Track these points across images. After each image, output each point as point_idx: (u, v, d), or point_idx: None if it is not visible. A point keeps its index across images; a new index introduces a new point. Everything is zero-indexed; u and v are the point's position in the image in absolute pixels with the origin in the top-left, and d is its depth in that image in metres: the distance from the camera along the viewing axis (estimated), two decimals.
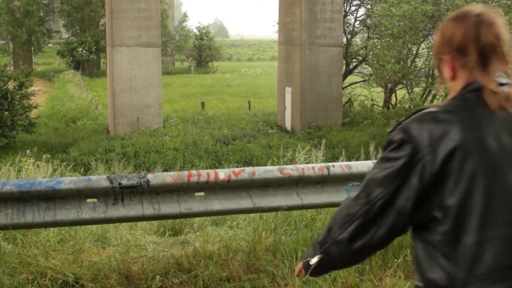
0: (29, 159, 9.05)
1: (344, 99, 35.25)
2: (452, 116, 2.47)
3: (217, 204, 6.13)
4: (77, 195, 5.77)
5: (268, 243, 6.47)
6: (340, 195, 6.43)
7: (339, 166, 6.39)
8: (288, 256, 6.18)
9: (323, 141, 15.14)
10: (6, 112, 27.53)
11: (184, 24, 75.87)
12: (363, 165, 6.48)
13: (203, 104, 38.78)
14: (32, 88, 31.08)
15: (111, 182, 5.76)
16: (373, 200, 2.53)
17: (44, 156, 10.68)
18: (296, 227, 7.36)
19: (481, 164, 2.39)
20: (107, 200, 5.86)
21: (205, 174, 6.03)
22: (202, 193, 6.17)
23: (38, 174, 8.76)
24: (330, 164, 6.38)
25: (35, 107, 30.47)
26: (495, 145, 2.42)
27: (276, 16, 36.37)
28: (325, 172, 6.30)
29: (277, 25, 36.29)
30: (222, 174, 6.03)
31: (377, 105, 34.44)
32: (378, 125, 31.75)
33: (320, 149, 10.41)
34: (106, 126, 31.86)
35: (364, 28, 37.78)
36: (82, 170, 17.79)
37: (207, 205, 6.11)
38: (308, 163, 9.90)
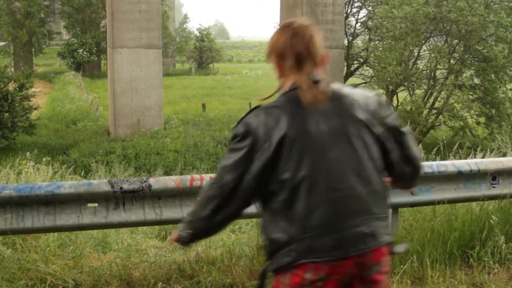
0: (29, 162, 8.92)
1: None
2: (280, 110, 3.13)
3: None
4: (77, 200, 5.67)
5: None
6: None
7: None
8: None
9: None
10: (6, 114, 27.41)
11: (185, 26, 75.70)
12: None
13: (204, 105, 38.65)
14: (33, 89, 30.96)
15: (112, 187, 5.66)
16: (225, 184, 3.17)
17: (44, 159, 10.52)
18: None
19: (305, 146, 3.07)
20: (108, 205, 5.76)
21: (208, 178, 5.90)
22: None
23: (38, 177, 8.65)
24: None
25: (35, 109, 30.37)
26: (315, 131, 3.08)
27: (277, 17, 36.27)
28: None
29: (278, 26, 36.12)
30: None
31: None
32: None
33: None
34: (107, 128, 31.75)
35: (365, 30, 37.72)
36: (82, 172, 17.68)
37: None
38: None
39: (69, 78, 51.25)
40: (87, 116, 35.19)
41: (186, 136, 28.62)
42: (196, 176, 5.93)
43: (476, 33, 26.72)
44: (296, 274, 3.10)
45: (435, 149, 10.65)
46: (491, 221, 6.55)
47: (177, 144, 26.79)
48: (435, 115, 28.31)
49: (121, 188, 5.67)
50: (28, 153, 10.54)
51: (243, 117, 3.21)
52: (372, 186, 3.14)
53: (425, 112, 27.83)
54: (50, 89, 48.70)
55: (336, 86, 3.25)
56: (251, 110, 3.21)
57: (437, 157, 10.93)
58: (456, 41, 28.48)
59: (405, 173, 3.41)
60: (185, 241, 3.49)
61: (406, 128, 3.37)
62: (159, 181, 5.81)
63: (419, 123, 26.80)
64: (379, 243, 3.16)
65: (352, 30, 37.98)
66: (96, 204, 5.75)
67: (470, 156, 10.19)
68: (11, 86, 28.47)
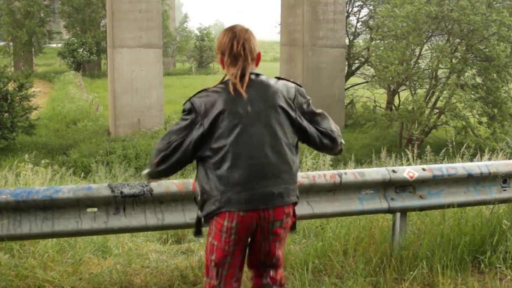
0: (27, 164, 8.74)
1: (346, 101, 34.99)
2: (218, 94, 4.10)
3: None
4: (76, 205, 5.46)
5: None
6: (353, 204, 6.14)
7: (352, 174, 6.09)
8: (299, 268, 5.90)
9: None
10: (6, 114, 27.28)
11: (185, 25, 75.58)
12: (377, 173, 6.18)
13: None
14: (33, 89, 30.81)
15: (112, 191, 5.46)
16: (171, 142, 4.14)
17: (43, 161, 10.34)
18: (304, 235, 7.09)
19: (233, 123, 4.01)
20: (108, 210, 5.56)
21: None
22: None
23: (36, 179, 8.47)
24: (342, 171, 6.08)
25: (35, 109, 30.22)
26: (242, 112, 4.02)
27: (277, 17, 36.11)
28: (337, 179, 6.00)
29: (279, 26, 36.02)
30: None
31: (380, 107, 34.19)
32: (381, 126, 31.50)
33: (326, 156, 10.11)
34: (107, 128, 31.60)
35: (367, 29, 37.57)
36: (82, 173, 17.57)
37: None
38: (316, 168, 9.63)
39: (69, 77, 51.03)
40: (87, 116, 35.01)
41: None
42: None
43: (478, 32, 26.54)
44: (217, 221, 4.10)
45: (443, 150, 10.48)
46: (502, 225, 6.37)
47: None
48: (437, 114, 28.11)
49: (121, 192, 5.48)
50: (26, 155, 10.26)
51: (191, 96, 4.19)
52: (283, 157, 4.11)
53: (427, 111, 27.64)
54: (50, 89, 48.54)
55: (264, 78, 4.19)
56: (198, 92, 4.19)
57: (446, 158, 10.76)
58: (458, 40, 28.29)
59: (325, 144, 4.42)
60: (150, 178, 4.45)
61: (320, 110, 4.38)
62: (161, 185, 5.61)
63: (421, 122, 26.61)
64: (284, 202, 4.14)
65: (353, 29, 37.80)
66: (96, 209, 5.55)
67: (477, 157, 10.02)
68: (11, 86, 28.32)
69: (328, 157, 10.00)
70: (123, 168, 21.23)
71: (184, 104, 4.20)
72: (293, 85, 4.28)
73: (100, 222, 5.51)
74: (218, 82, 4.20)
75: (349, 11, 36.91)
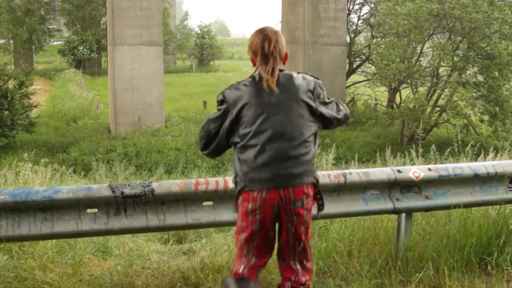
0: (27, 164, 8.62)
1: (347, 99, 34.89)
2: (246, 87, 4.58)
3: (226, 214, 5.73)
4: (76, 205, 5.37)
5: None
6: (358, 204, 6.04)
7: (356, 174, 5.99)
8: None
9: (332, 144, 14.69)
10: (6, 112, 27.10)
11: (185, 23, 75.43)
12: (382, 173, 6.08)
13: (205, 103, 38.34)
14: (33, 87, 30.66)
15: (113, 191, 5.36)
16: (210, 130, 4.71)
17: (42, 160, 10.21)
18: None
19: (258, 111, 4.48)
20: (108, 211, 5.46)
21: (213, 182, 5.64)
22: (211, 203, 5.77)
23: (36, 179, 8.36)
24: (346, 171, 5.97)
25: (35, 107, 30.05)
26: (267, 102, 4.49)
27: (277, 15, 36.00)
28: (342, 180, 5.90)
29: (280, 24, 35.91)
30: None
31: (381, 105, 34.10)
32: (382, 125, 31.41)
33: (330, 152, 10.00)
34: (107, 126, 31.50)
35: (368, 27, 37.45)
36: (82, 172, 17.49)
37: (216, 216, 5.72)
38: (318, 166, 9.52)
39: (70, 75, 50.91)
40: (88, 114, 34.92)
41: (187, 134, 28.37)
42: (201, 180, 5.64)
43: (480, 30, 26.42)
44: (243, 204, 4.54)
45: (449, 149, 10.37)
46: (509, 226, 6.28)
47: (178, 142, 26.54)
48: (438, 112, 27.99)
49: (122, 193, 5.38)
50: (26, 154, 10.13)
51: (224, 90, 4.70)
52: (302, 143, 4.52)
53: (428, 110, 27.52)
54: (50, 86, 48.42)
55: (287, 72, 4.63)
56: (229, 86, 4.69)
57: (450, 157, 10.64)
58: (460, 38, 28.17)
59: (341, 122, 4.91)
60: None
61: (332, 98, 4.87)
62: (162, 186, 5.51)
63: (422, 120, 26.49)
64: (303, 182, 4.51)
65: (354, 27, 37.68)
66: (96, 210, 5.45)
67: (481, 156, 9.92)
68: (11, 84, 28.18)
69: (331, 156, 9.90)
70: (124, 166, 21.14)
71: (217, 96, 4.72)
72: (312, 78, 4.72)
73: (101, 223, 5.42)
74: (248, 77, 4.68)
75: (350, 8, 36.78)
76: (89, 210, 5.44)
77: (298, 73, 4.70)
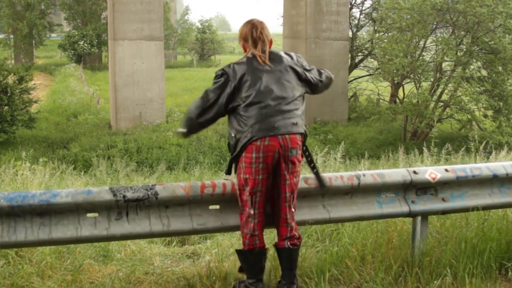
0: (25, 163, 8.32)
1: (350, 94, 34.64)
2: (242, 63, 5.43)
3: (234, 218, 5.45)
4: (75, 209, 5.08)
5: None
6: (372, 207, 5.76)
7: (370, 175, 5.71)
8: (315, 277, 5.51)
9: (339, 141, 14.43)
10: (5, 107, 26.82)
11: (186, 17, 75.15)
12: (397, 174, 5.80)
13: None
14: (33, 82, 30.38)
15: (115, 195, 5.07)
16: (209, 98, 5.41)
17: (41, 160, 9.90)
18: (317, 238, 6.70)
19: (255, 79, 5.33)
20: (109, 215, 5.17)
21: (220, 185, 5.37)
22: (217, 206, 5.50)
23: (35, 179, 8.06)
24: (360, 172, 5.69)
25: (35, 102, 29.78)
26: (261, 71, 5.36)
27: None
28: (355, 181, 5.62)
29: (281, 18, 35.62)
30: None
31: (384, 100, 33.84)
32: (385, 120, 31.14)
33: (338, 150, 9.72)
34: (108, 121, 31.25)
35: (370, 21, 37.16)
36: (82, 170, 17.21)
37: (223, 220, 5.44)
38: (326, 165, 9.25)
39: (70, 70, 50.65)
40: (88, 109, 34.67)
41: None
42: (208, 182, 5.36)
43: (484, 24, 26.13)
44: (247, 156, 5.24)
45: (463, 148, 10.08)
46: None
47: (179, 138, 26.23)
48: (442, 108, 27.72)
49: (124, 196, 5.09)
50: (24, 153, 9.79)
51: (224, 66, 5.48)
52: (294, 99, 5.40)
53: (431, 105, 27.23)
54: (50, 81, 48.15)
55: (275, 51, 5.56)
56: (227, 64, 5.50)
57: (466, 156, 10.36)
58: (463, 32, 27.87)
59: (325, 85, 5.83)
60: (183, 136, 5.70)
61: (313, 66, 5.77)
62: (166, 188, 5.23)
63: (426, 116, 26.20)
64: (298, 130, 5.32)
65: (356, 21, 37.38)
66: (97, 214, 5.16)
67: (493, 154, 9.64)
68: (11, 79, 27.91)
69: (339, 154, 9.61)
70: (125, 163, 20.86)
71: (216, 72, 5.49)
72: (294, 53, 5.72)
73: (101, 228, 5.13)
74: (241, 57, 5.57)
75: (352, 3, 36.47)
76: (89, 215, 5.15)
77: (284, 52, 5.67)
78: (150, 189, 5.18)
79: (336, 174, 5.62)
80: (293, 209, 5.40)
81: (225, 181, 5.49)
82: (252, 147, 5.20)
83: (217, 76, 5.48)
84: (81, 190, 5.09)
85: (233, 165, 5.44)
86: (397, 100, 31.58)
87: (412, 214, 5.89)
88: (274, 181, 5.36)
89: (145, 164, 22.86)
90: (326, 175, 5.64)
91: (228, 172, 5.47)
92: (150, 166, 22.36)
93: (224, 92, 5.36)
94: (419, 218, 5.97)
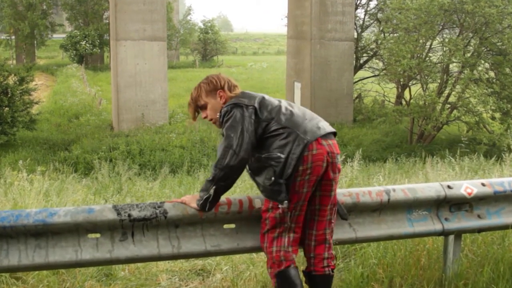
0: (22, 173, 7.79)
1: (354, 95, 34.21)
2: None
3: (251, 238, 4.92)
4: (75, 230, 4.55)
5: None
6: (402, 226, 5.24)
7: (401, 190, 5.19)
8: None
9: (345, 145, 13.95)
10: (6, 108, 26.40)
11: (188, 18, 74.86)
12: (430, 189, 5.27)
13: None
14: (34, 82, 29.96)
15: (119, 213, 4.54)
16: (249, 133, 4.69)
17: (39, 169, 9.36)
18: (337, 254, 6.18)
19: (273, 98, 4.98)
20: (113, 236, 4.64)
21: (237, 202, 4.83)
22: (233, 225, 4.97)
23: (32, 189, 7.54)
24: (390, 187, 5.17)
25: (36, 103, 29.36)
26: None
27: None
28: (385, 197, 5.10)
29: (285, 18, 35.19)
30: (258, 202, 4.86)
31: (389, 101, 33.41)
32: (390, 122, 30.70)
33: (355, 160, 9.20)
34: (110, 122, 30.85)
35: (375, 22, 36.74)
36: (84, 171, 16.79)
37: (239, 241, 4.90)
38: (342, 175, 8.75)
39: (72, 71, 50.30)
40: (90, 110, 34.27)
41: (192, 131, 27.68)
42: (223, 199, 4.81)
43: (493, 25, 25.68)
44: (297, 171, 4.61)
45: (494, 157, 9.59)
46: None
47: (182, 140, 25.84)
48: (449, 109, 27.24)
49: (129, 215, 4.56)
50: (20, 161, 9.25)
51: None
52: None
53: (438, 107, 26.76)
54: (52, 82, 47.78)
55: None
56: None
57: (487, 159, 9.88)
58: (471, 34, 27.41)
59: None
60: (211, 204, 4.67)
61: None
62: (176, 206, 4.70)
63: (433, 118, 25.73)
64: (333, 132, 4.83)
65: (361, 22, 36.95)
66: (99, 235, 4.64)
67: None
68: (11, 80, 27.49)
69: (356, 161, 9.12)
70: (127, 165, 20.42)
71: (228, 109, 4.83)
72: None
73: (104, 250, 4.60)
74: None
75: (357, 3, 36.02)
76: (90, 236, 4.63)
77: None
78: (159, 207, 4.65)
79: (364, 190, 5.10)
80: (333, 224, 4.90)
81: (241, 198, 4.96)
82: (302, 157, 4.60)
83: (238, 109, 4.84)
84: (81, 209, 4.56)
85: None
86: (404, 102, 31.12)
87: (445, 233, 5.38)
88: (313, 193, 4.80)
89: (147, 167, 22.43)
90: (353, 190, 5.12)
91: (286, 198, 4.63)
92: (153, 169, 21.92)
93: (251, 119, 4.76)
94: (451, 237, 5.46)
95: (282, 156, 4.58)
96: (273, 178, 4.59)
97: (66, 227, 4.52)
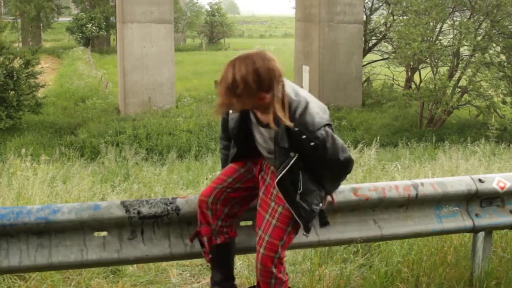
0: (25, 162, 7.46)
1: (363, 78, 33.87)
2: None
3: None
4: (80, 228, 4.22)
5: (332, 282, 4.94)
6: (430, 222, 4.88)
7: (430, 184, 4.82)
8: None
9: (354, 129, 13.65)
10: (12, 92, 26.13)
11: (195, 0, 74.50)
12: (461, 183, 4.92)
13: (216, 82, 37.25)
14: (40, 65, 29.63)
15: (127, 210, 4.21)
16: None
17: (43, 158, 9.03)
18: (358, 250, 5.84)
19: None
20: (121, 234, 4.32)
21: None
22: (250, 222, 4.62)
23: (36, 179, 7.22)
24: (418, 181, 4.82)
25: (42, 86, 29.03)
26: None
27: None
28: (412, 192, 4.74)
29: (293, 1, 34.79)
30: None
31: (398, 85, 33.03)
32: (400, 106, 30.34)
33: (371, 148, 8.86)
34: (116, 106, 30.58)
35: (384, 5, 36.33)
36: (90, 155, 16.56)
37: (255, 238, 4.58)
38: (358, 165, 8.42)
39: (78, 53, 50.01)
40: (96, 94, 34.02)
41: (199, 115, 27.37)
42: None
43: (504, 8, 25.29)
44: None
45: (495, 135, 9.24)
46: None
47: (190, 124, 25.55)
48: (460, 93, 26.87)
49: (139, 212, 4.23)
50: (23, 150, 8.91)
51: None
52: None
53: (449, 91, 26.39)
54: (58, 64, 47.50)
55: None
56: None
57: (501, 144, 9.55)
58: (482, 17, 27.02)
59: None
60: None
61: None
62: (190, 202, 4.36)
63: (443, 102, 25.36)
64: None
65: (370, 4, 36.53)
66: (106, 233, 4.32)
67: None
68: (17, 63, 27.17)
69: (373, 149, 8.78)
70: (134, 150, 20.13)
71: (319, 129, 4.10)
72: None
73: (112, 250, 4.28)
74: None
75: None
76: (96, 234, 4.31)
77: None
78: (170, 203, 4.32)
79: (390, 184, 4.74)
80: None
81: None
82: None
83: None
84: (87, 205, 4.22)
85: None
86: (413, 86, 30.75)
87: (476, 230, 5.04)
88: None
89: (154, 152, 22.15)
90: (379, 184, 4.76)
91: (327, 223, 4.30)
92: (160, 153, 21.62)
93: None
94: (481, 234, 5.12)
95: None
96: (321, 205, 4.18)
97: (70, 225, 4.20)
